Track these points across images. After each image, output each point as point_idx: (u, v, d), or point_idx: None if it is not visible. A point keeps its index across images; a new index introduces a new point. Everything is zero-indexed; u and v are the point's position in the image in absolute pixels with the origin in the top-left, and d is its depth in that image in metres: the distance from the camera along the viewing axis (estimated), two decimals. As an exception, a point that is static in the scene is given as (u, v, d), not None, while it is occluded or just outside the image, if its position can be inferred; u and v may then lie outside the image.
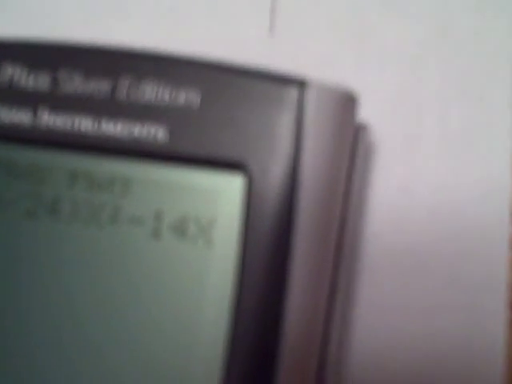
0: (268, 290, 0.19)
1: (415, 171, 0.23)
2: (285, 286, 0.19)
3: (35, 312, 0.20)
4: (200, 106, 0.19)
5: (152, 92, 0.20)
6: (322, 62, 0.23)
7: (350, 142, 0.20)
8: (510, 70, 0.23)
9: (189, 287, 0.19)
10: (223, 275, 0.19)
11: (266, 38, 0.24)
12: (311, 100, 0.19)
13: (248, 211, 0.19)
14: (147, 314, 0.20)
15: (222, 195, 0.20)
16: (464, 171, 0.22)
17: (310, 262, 0.19)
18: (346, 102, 0.20)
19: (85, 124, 0.20)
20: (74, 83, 0.20)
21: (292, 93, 0.19)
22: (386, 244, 0.22)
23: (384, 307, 0.22)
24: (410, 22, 0.24)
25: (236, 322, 0.19)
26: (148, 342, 0.19)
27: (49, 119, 0.20)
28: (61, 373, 0.20)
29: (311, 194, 0.19)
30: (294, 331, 0.19)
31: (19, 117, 0.20)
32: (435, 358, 0.22)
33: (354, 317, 0.22)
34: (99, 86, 0.20)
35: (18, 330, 0.20)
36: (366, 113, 0.22)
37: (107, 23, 0.24)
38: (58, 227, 0.20)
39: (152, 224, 0.20)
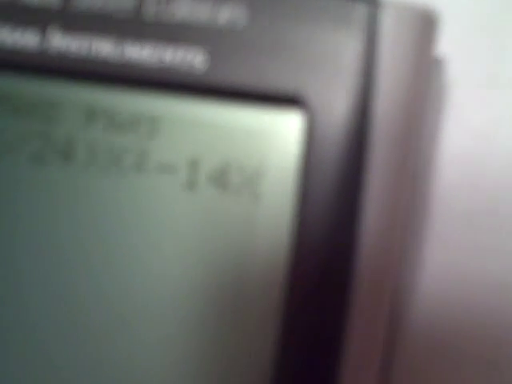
0: (330, 258, 0.15)
1: (496, 116, 0.19)
2: (352, 253, 0.15)
3: (43, 272, 0.17)
4: (246, 26, 0.16)
5: (186, 9, 0.16)
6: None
7: (427, 75, 0.17)
8: None
9: (232, 248, 0.16)
10: (274, 237, 0.16)
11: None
12: (385, 22, 0.15)
13: (307, 157, 0.15)
14: (180, 276, 0.16)
15: (274, 137, 0.16)
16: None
17: (381, 222, 0.15)
18: (426, 26, 0.16)
19: (104, 48, 0.16)
20: (91, -2, 0.16)
21: (362, 13, 0.16)
22: (459, 196, 0.19)
23: (455, 249, 0.18)
24: None
25: (292, 292, 0.15)
26: (187, 310, 0.16)
27: (60, 42, 0.16)
28: (86, 333, 0.16)
29: (384, 136, 0.15)
30: (363, 306, 0.15)
31: (24, 39, 0.16)
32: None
33: (418, 285, 0.19)
34: (121, 2, 0.16)
35: (27, 291, 0.17)
36: (442, 46, 0.18)
37: None
38: (71, 175, 0.17)
39: (186, 173, 0.16)
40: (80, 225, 0.17)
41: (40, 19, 0.16)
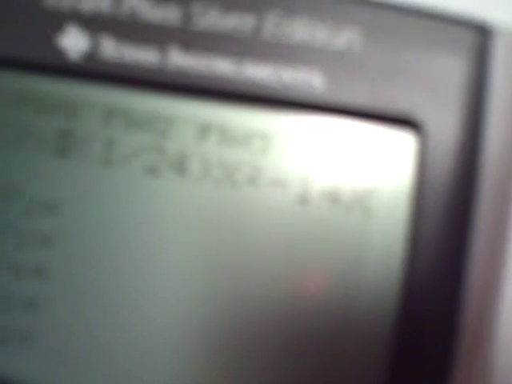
0: (443, 275, 0.16)
1: None
2: (463, 266, 0.16)
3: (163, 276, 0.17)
4: (362, 49, 0.16)
5: (304, 32, 0.17)
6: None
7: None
8: None
9: (343, 261, 0.17)
10: (386, 253, 0.16)
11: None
12: (498, 48, 0.16)
13: (420, 178, 0.16)
14: (291, 290, 0.17)
15: (388, 156, 0.17)
16: None
17: (490, 243, 0.16)
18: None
19: (223, 66, 0.17)
20: (210, 18, 0.17)
21: (475, 39, 0.16)
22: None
23: None
24: None
25: (404, 311, 0.16)
26: (295, 324, 0.17)
27: (179, 59, 0.17)
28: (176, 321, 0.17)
29: (496, 160, 0.16)
30: (472, 320, 0.16)
31: (144, 56, 0.17)
32: None
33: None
34: (240, 23, 0.17)
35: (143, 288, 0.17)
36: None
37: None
38: (184, 187, 0.17)
39: (298, 187, 0.17)
40: (194, 235, 0.17)
41: (160, 37, 0.17)
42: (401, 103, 0.16)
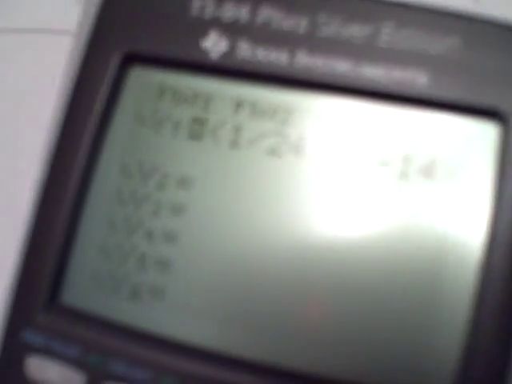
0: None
1: None
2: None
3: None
4: (460, 54, 0.20)
5: (413, 39, 0.20)
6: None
7: None
8: None
9: (434, 226, 0.20)
10: (475, 213, 0.20)
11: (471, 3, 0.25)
12: None
13: (503, 159, 0.19)
14: (393, 250, 0.20)
15: (475, 141, 0.20)
16: None
17: None
18: None
19: (342, 66, 0.21)
20: (333, 27, 0.21)
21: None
22: None
23: None
24: None
25: (486, 266, 0.19)
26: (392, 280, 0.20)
27: (305, 60, 0.21)
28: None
29: None
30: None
31: (275, 56, 0.21)
32: None
33: None
34: (359, 31, 0.21)
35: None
36: None
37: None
38: (301, 168, 0.21)
39: (400, 166, 0.20)
40: (314, 207, 0.21)
41: (290, 41, 0.21)
42: (489, 99, 0.20)
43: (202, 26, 0.21)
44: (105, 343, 0.20)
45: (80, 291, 0.21)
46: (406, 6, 0.20)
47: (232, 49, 0.21)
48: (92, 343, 0.20)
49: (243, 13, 0.21)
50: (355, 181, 0.20)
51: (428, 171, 0.20)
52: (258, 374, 0.19)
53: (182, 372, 0.19)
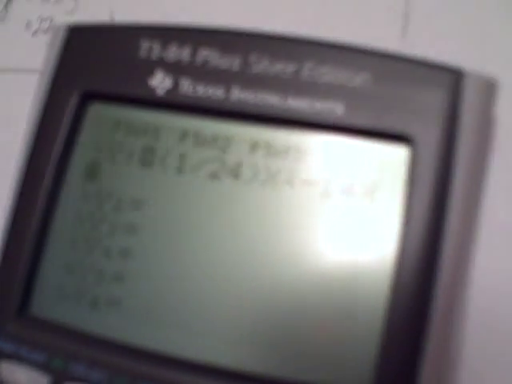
0: (426, 245, 0.22)
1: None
2: (441, 243, 0.22)
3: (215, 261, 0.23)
4: (372, 86, 0.23)
5: (331, 74, 0.23)
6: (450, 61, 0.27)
7: (491, 126, 0.24)
8: None
9: (354, 239, 0.23)
10: (386, 231, 0.22)
11: (400, 38, 0.28)
12: (467, 86, 0.23)
13: (411, 178, 0.22)
14: (316, 261, 0.23)
15: (388, 163, 0.23)
16: None
17: (461, 227, 0.22)
18: (492, 90, 0.24)
19: (271, 99, 0.23)
20: (262, 65, 0.24)
21: (451, 79, 0.23)
22: (502, 219, 0.26)
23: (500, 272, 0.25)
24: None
25: (398, 271, 0.22)
26: (319, 282, 0.23)
27: (239, 94, 0.24)
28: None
29: (466, 167, 0.22)
30: (447, 279, 0.22)
31: (213, 92, 0.24)
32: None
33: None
34: (285, 68, 0.24)
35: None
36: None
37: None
38: (239, 189, 0.24)
39: (323, 186, 0.23)
40: (244, 227, 0.23)
41: (225, 78, 0.24)
42: (398, 125, 0.23)
43: (150, 67, 0.24)
44: (67, 348, 0.23)
45: (46, 302, 0.24)
46: (325, 45, 0.23)
47: (175, 86, 0.24)
48: (56, 349, 0.23)
49: (185, 54, 0.24)
50: (283, 199, 0.23)
51: (348, 191, 0.23)
52: (199, 374, 0.22)
53: (133, 373, 0.22)
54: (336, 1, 0.29)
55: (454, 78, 0.22)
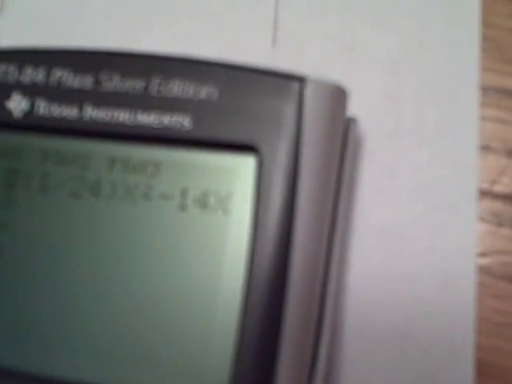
0: (277, 248, 0.23)
1: (396, 158, 0.27)
2: (291, 247, 0.22)
3: (81, 278, 0.24)
4: (218, 98, 0.24)
5: (178, 88, 0.24)
6: (318, 68, 0.28)
7: (342, 129, 0.25)
8: (474, 74, 0.27)
9: (210, 250, 0.23)
10: (239, 240, 0.23)
11: (270, 48, 0.28)
12: (310, 93, 0.23)
13: (259, 186, 0.23)
14: (174, 273, 0.23)
15: (237, 173, 0.24)
16: (436, 158, 0.27)
17: (310, 229, 0.23)
18: (339, 96, 0.24)
19: (122, 115, 0.24)
20: (113, 82, 0.24)
21: (294, 87, 0.23)
22: (372, 218, 0.26)
23: (372, 274, 0.26)
24: (391, 34, 0.28)
25: (250, 279, 0.22)
26: (175, 295, 0.23)
27: (92, 113, 0.24)
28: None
29: (311, 171, 0.23)
30: (298, 288, 0.23)
31: (67, 112, 0.24)
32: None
33: (346, 283, 0.26)
34: (134, 84, 0.24)
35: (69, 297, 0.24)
36: (356, 110, 0.26)
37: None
38: (99, 205, 0.24)
39: (179, 199, 0.24)
40: (105, 241, 0.24)
41: (78, 97, 0.24)
42: (245, 135, 0.23)
43: (6, 90, 0.25)
44: None
45: None
46: (173, 60, 0.24)
47: (31, 107, 0.24)
48: None
49: (40, 75, 0.24)
50: (142, 214, 0.24)
51: (203, 203, 0.23)
52: None
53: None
54: (208, 16, 0.29)
55: (296, 85, 0.23)
